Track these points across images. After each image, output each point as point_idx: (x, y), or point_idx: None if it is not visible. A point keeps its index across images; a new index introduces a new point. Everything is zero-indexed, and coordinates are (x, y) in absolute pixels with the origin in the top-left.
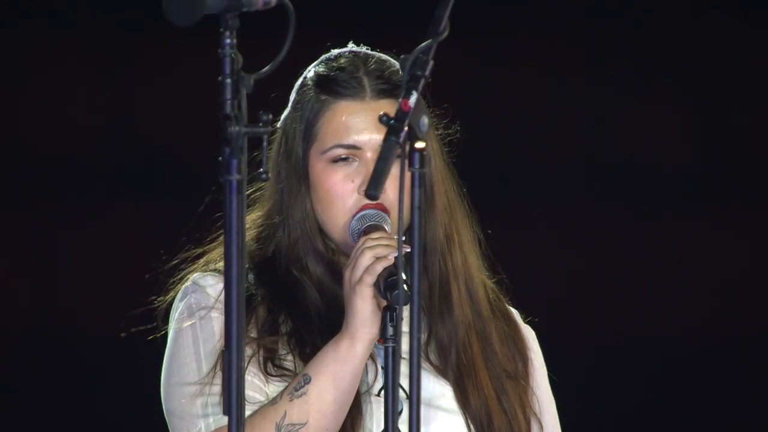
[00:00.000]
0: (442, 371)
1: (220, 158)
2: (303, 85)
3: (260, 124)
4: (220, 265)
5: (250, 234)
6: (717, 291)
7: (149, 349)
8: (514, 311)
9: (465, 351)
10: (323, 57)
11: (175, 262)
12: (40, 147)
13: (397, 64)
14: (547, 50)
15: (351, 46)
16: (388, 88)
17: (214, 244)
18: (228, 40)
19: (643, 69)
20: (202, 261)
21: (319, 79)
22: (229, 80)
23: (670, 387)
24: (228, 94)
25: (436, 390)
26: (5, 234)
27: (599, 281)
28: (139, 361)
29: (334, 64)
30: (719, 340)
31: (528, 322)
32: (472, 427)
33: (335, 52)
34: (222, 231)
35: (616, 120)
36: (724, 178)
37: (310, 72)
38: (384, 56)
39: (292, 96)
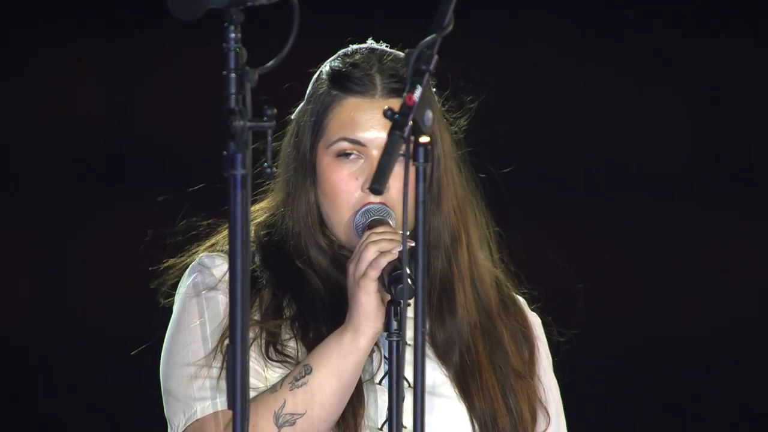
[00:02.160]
0: (443, 360)
1: (224, 153)
2: (318, 78)
3: (264, 118)
4: (227, 247)
5: (259, 219)
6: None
7: (152, 347)
8: (520, 299)
9: (469, 351)
10: (341, 52)
11: (179, 257)
12: (40, 145)
13: None
14: (546, 47)
15: (370, 42)
16: (400, 87)
17: (219, 233)
18: (232, 35)
19: (650, 61)
20: (208, 243)
21: (333, 74)
22: (233, 75)
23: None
24: (232, 89)
25: (438, 378)
26: (5, 233)
27: (603, 279)
28: (142, 359)
29: (349, 60)
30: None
31: (533, 310)
32: (476, 424)
33: (353, 47)
34: (227, 220)
35: (622, 115)
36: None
37: (326, 66)
38: (401, 54)
39: (309, 89)
